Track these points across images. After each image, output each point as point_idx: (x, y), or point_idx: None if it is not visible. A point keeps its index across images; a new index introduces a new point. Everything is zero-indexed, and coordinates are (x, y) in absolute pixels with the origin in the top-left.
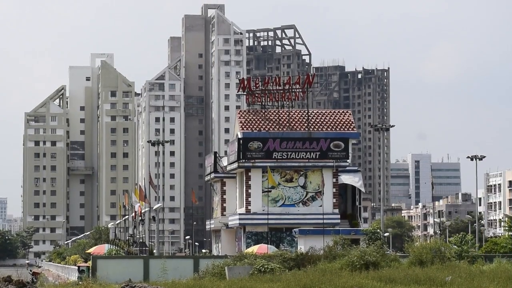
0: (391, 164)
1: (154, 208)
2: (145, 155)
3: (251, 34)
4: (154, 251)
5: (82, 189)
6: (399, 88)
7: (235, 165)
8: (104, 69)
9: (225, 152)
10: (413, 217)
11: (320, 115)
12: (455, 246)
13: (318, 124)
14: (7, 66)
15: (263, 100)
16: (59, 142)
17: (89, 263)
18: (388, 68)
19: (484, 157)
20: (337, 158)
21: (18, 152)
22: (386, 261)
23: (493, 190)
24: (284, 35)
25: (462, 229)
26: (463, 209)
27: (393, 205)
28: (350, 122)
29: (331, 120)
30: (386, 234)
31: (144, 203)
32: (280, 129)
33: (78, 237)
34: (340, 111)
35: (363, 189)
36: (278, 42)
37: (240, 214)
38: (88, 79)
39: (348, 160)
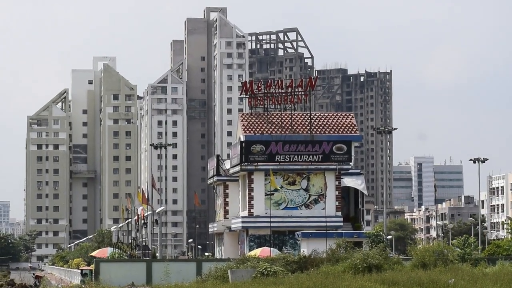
0: (394, 167)
1: (156, 211)
2: (147, 158)
3: (254, 37)
4: (157, 254)
5: (84, 193)
6: (402, 91)
7: (237, 168)
8: (107, 73)
9: (228, 155)
10: (415, 219)
11: (323, 118)
12: (458, 249)
13: (321, 127)
14: (9, 69)
15: (266, 103)
16: (62, 146)
17: (92, 267)
18: (391, 71)
19: (487, 159)
20: (340, 161)
21: (20, 155)
22: (389, 264)
23: (495, 193)
24: (286, 38)
25: (464, 231)
26: (466, 212)
27: (395, 208)
28: (353, 125)
29: (333, 123)
30: (389, 237)
31: (147, 206)
32: (282, 132)
33: (81, 240)
34: (343, 114)
35: (365, 192)
36: (280, 45)
37: (242, 217)
38: (90, 82)
39: (350, 163)
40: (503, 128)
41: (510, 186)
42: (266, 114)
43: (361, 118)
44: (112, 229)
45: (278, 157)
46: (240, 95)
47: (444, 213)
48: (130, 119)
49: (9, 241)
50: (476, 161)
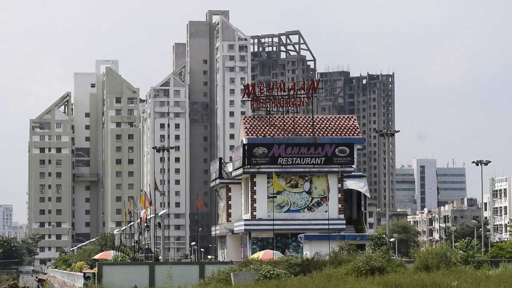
0: (396, 169)
1: (159, 214)
2: (150, 161)
3: (256, 40)
4: (160, 257)
5: (87, 196)
6: (404, 93)
7: (240, 171)
8: (109, 76)
9: (230, 158)
10: (418, 222)
11: (325, 121)
12: (461, 251)
13: (323, 130)
14: (12, 72)
15: (268, 106)
16: (64, 149)
17: (95, 270)
18: (393, 73)
19: (490, 162)
20: (342, 164)
21: (23, 159)
22: (392, 266)
23: (498, 195)
24: (288, 41)
25: (467, 234)
26: (469, 214)
27: (398, 210)
28: (355, 128)
29: (336, 125)
30: (391, 240)
31: (149, 209)
32: (285, 134)
33: (84, 243)
34: (345, 117)
35: (368, 195)
36: (282, 48)
37: (245, 220)
38: (93, 85)
39: (353, 166)
40: (506, 130)
41: None
42: (268, 117)
43: (363, 120)
44: (114, 232)
45: (280, 159)
46: (242, 98)
47: (447, 215)
48: (132, 122)
49: (12, 244)
50: (479, 164)
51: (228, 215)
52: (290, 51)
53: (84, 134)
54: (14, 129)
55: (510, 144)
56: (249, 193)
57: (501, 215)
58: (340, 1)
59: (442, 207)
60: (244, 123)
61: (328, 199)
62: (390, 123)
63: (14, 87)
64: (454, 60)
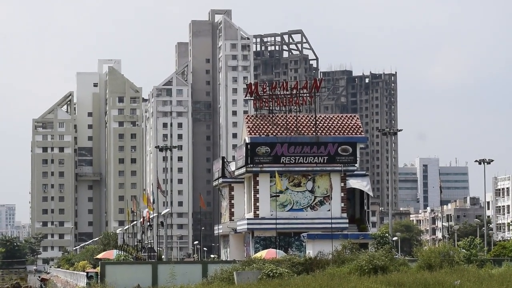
0: (399, 168)
1: (162, 214)
2: (153, 161)
3: (258, 39)
4: (163, 256)
5: (90, 195)
6: (407, 92)
7: (243, 170)
8: (112, 75)
9: (233, 157)
10: (421, 221)
11: (328, 120)
12: (464, 250)
13: (326, 129)
14: (14, 72)
15: (271, 105)
16: (67, 148)
17: (98, 269)
18: (396, 72)
19: (492, 160)
20: (345, 163)
21: (26, 158)
22: (395, 265)
23: (501, 194)
24: (291, 40)
25: (470, 233)
26: (472, 213)
27: (401, 209)
28: (358, 127)
29: (338, 124)
30: (394, 238)
31: (152, 208)
32: (287, 133)
33: (87, 243)
34: (348, 116)
35: (371, 194)
36: (285, 47)
37: (248, 219)
38: (95, 85)
39: (356, 165)
40: (509, 129)
41: None
42: (271, 116)
43: (366, 119)
44: (117, 231)
45: (283, 158)
46: (245, 97)
47: (450, 214)
48: (135, 121)
49: (15, 244)
50: (482, 162)
51: (231, 214)
52: (292, 50)
53: (87, 133)
54: (16, 128)
55: None
56: (252, 192)
57: (503, 214)
58: (342, 0)
59: (445, 206)
60: (247, 122)
61: (331, 198)
62: (393, 122)
63: (17, 87)
64: (455, 60)
